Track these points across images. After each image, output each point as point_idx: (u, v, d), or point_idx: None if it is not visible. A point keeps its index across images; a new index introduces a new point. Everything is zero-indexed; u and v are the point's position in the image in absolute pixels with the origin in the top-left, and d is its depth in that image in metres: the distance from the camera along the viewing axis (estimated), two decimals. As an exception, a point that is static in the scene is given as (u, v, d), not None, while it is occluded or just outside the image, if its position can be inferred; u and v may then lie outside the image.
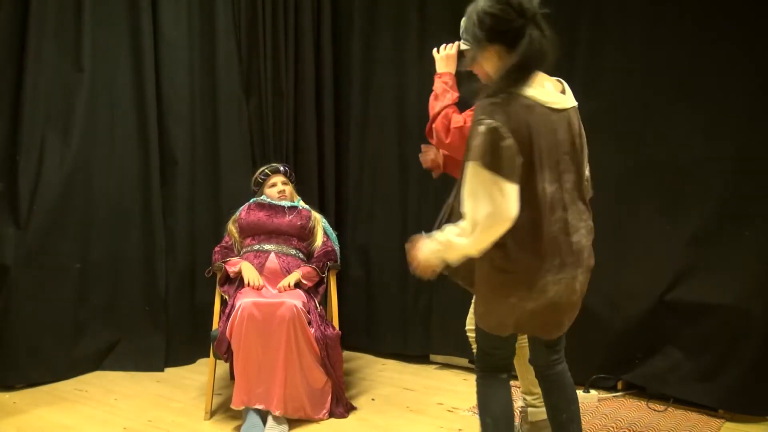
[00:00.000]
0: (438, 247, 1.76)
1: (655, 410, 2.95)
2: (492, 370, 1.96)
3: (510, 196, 1.64)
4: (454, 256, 1.76)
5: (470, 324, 2.52)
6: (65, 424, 2.86)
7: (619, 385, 3.18)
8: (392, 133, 3.84)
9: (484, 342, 1.96)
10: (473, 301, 2.15)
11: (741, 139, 2.85)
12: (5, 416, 2.94)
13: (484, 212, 1.64)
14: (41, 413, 2.98)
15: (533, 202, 1.72)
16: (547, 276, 1.75)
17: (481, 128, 1.65)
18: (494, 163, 1.63)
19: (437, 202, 3.65)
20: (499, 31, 1.72)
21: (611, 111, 3.09)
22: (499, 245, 1.71)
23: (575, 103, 1.86)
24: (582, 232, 1.82)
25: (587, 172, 1.94)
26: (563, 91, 1.84)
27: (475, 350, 2.10)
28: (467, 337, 2.52)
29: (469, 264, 1.83)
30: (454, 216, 1.80)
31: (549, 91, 1.78)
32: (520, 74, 1.69)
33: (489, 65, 1.81)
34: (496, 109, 1.66)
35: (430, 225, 3.82)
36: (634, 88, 3.05)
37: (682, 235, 2.98)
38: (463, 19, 1.89)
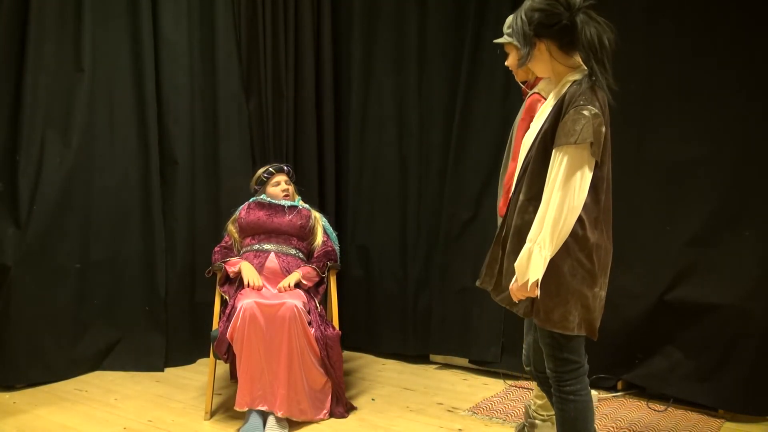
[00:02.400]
0: (534, 261, 1.71)
1: (655, 410, 2.96)
2: (584, 376, 1.90)
3: (588, 185, 1.71)
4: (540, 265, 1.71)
5: None
6: (65, 424, 2.86)
7: (619, 385, 3.18)
8: (392, 133, 3.85)
9: (573, 349, 1.86)
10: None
11: (741, 139, 2.85)
12: (5, 416, 2.94)
13: (573, 204, 1.69)
14: (41, 413, 2.98)
15: (605, 186, 1.79)
16: (610, 258, 1.83)
17: (586, 113, 1.69)
18: (596, 150, 1.70)
19: (437, 202, 3.69)
20: (548, 25, 1.76)
21: (611, 111, 3.09)
22: (575, 232, 1.74)
23: None
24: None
25: None
26: None
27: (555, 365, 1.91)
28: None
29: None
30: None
31: None
32: (600, 65, 1.73)
33: (539, 63, 1.84)
34: (594, 96, 1.72)
35: (429, 225, 3.84)
36: (633, 87, 3.05)
37: (682, 235, 2.98)
38: (510, 19, 1.89)
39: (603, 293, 1.84)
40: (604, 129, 1.73)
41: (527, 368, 2.28)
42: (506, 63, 2.15)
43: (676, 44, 2.97)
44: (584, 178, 1.70)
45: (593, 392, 3.12)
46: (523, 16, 1.79)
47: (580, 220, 1.73)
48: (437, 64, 3.69)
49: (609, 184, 1.83)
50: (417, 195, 3.78)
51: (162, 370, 3.61)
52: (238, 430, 2.75)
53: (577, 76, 1.79)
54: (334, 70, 4.07)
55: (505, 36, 2.24)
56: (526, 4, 1.81)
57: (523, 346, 2.33)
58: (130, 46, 3.61)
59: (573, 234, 1.73)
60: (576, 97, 1.72)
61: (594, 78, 1.74)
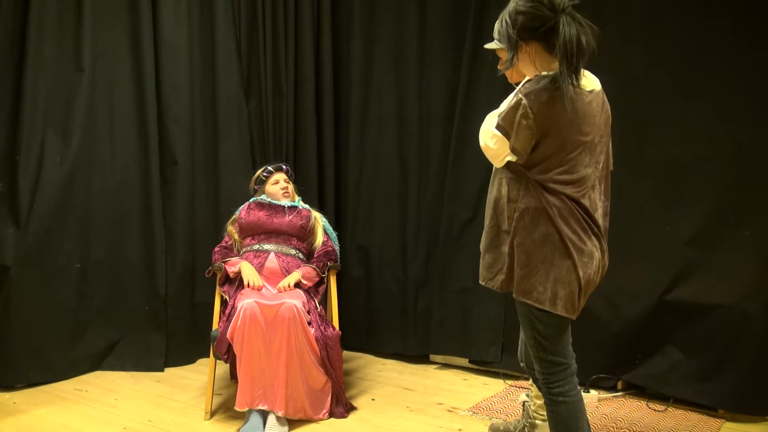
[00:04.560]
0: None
1: (655, 410, 2.95)
2: (572, 377, 1.90)
3: (501, 147, 1.83)
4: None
5: None
6: (65, 424, 2.86)
7: (619, 385, 3.18)
8: (392, 133, 3.84)
9: (557, 351, 1.86)
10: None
11: (741, 138, 2.85)
12: (5, 416, 2.94)
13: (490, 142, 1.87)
14: (41, 413, 2.98)
15: (574, 180, 1.79)
16: (590, 240, 1.81)
17: (514, 100, 1.75)
18: (507, 130, 1.78)
19: (437, 202, 3.69)
20: (533, 28, 1.74)
21: (611, 110, 3.09)
22: (548, 204, 1.78)
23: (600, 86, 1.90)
24: (599, 213, 1.88)
25: (610, 148, 1.98)
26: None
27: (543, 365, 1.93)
28: None
29: (504, 260, 1.87)
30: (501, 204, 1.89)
31: (587, 74, 1.83)
32: (570, 68, 1.71)
33: (525, 65, 1.83)
34: (539, 92, 1.72)
35: (430, 225, 3.84)
36: (633, 87, 3.05)
37: (682, 235, 2.98)
38: (497, 23, 1.88)
39: (581, 272, 1.80)
40: (528, 122, 1.73)
41: (521, 364, 2.30)
42: (498, 66, 2.14)
43: (676, 44, 2.97)
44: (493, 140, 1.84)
45: (593, 392, 3.14)
46: (507, 19, 1.77)
47: (549, 192, 1.78)
48: (437, 64, 3.69)
49: (589, 178, 1.82)
50: (417, 195, 3.78)
51: (162, 370, 3.61)
52: (238, 430, 2.75)
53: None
54: (333, 70, 4.06)
55: (495, 42, 2.22)
56: (510, 6, 1.78)
57: (519, 342, 2.35)
58: (130, 46, 3.62)
59: (545, 206, 1.77)
60: (527, 83, 1.76)
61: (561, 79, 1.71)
